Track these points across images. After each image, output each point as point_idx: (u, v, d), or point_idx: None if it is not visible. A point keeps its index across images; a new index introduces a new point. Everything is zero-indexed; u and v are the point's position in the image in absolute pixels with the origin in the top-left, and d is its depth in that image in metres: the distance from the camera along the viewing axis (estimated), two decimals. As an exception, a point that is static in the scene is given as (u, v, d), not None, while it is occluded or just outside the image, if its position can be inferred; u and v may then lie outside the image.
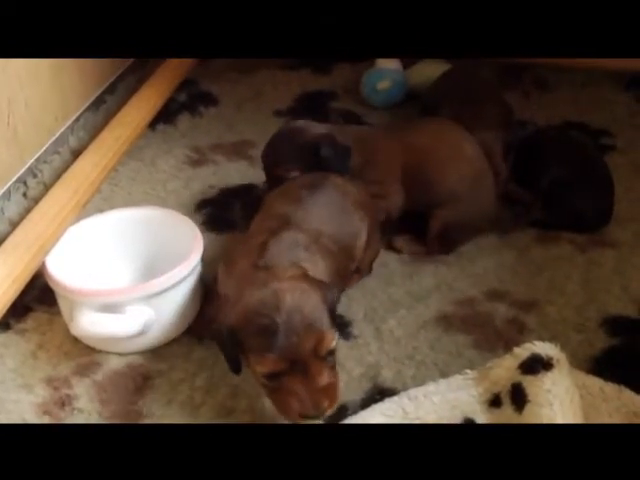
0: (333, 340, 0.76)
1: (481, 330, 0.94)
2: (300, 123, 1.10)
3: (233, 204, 1.18)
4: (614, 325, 0.96)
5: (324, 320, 0.76)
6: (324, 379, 0.75)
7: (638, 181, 1.26)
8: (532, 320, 0.96)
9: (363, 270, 1.02)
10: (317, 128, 1.07)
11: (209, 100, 1.49)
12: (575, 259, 1.09)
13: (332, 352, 0.77)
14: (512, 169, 1.21)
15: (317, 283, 0.79)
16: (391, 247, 1.09)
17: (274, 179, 1.05)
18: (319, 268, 0.84)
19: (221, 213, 1.16)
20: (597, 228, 1.14)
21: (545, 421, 0.72)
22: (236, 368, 0.79)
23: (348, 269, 0.95)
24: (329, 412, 0.76)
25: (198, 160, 1.30)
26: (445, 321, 0.96)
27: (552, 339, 0.84)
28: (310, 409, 0.74)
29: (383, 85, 1.43)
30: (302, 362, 0.74)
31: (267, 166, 1.08)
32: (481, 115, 1.20)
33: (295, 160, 1.04)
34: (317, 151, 1.02)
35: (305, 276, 0.80)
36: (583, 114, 1.42)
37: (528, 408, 0.75)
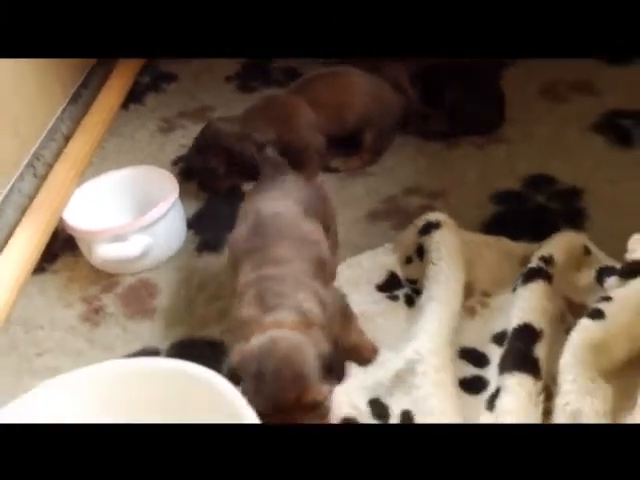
0: (319, 393, 0.76)
1: (399, 216, 1.22)
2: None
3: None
4: (501, 197, 1.25)
5: (312, 373, 0.76)
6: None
7: (530, 84, 1.54)
8: (438, 204, 1.24)
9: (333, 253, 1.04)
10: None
11: (169, 78, 1.76)
12: (475, 155, 1.37)
13: (319, 404, 0.77)
14: (421, 93, 1.49)
15: (316, 337, 0.79)
16: (329, 169, 1.37)
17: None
18: (314, 297, 0.85)
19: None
20: (492, 131, 1.42)
21: (436, 261, 1.01)
22: None
23: (328, 272, 0.96)
24: None
25: (168, 128, 1.58)
26: (373, 216, 1.25)
27: (452, 215, 1.13)
28: None
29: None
30: (286, 409, 0.75)
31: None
32: (388, 54, 1.48)
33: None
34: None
35: (306, 325, 0.80)
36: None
37: (425, 257, 1.05)
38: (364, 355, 0.94)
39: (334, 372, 0.80)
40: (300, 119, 1.35)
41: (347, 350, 0.87)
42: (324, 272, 0.93)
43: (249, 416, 0.75)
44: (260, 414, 0.75)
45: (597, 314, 0.87)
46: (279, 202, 0.97)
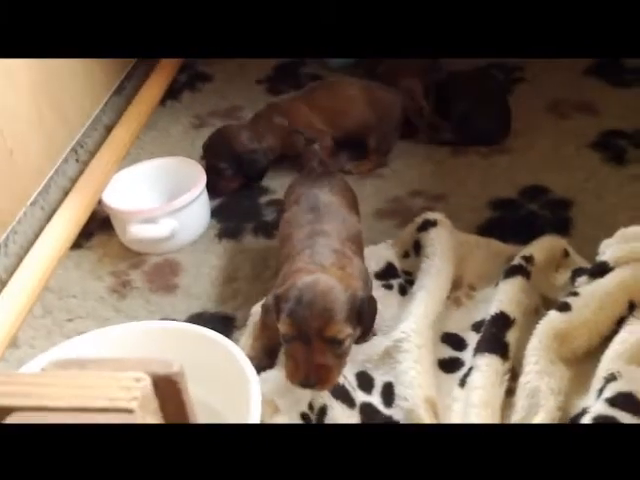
0: (341, 331, 0.87)
1: (403, 216, 1.34)
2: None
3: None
4: (497, 204, 1.36)
5: (339, 312, 0.87)
6: (322, 358, 0.87)
7: (537, 101, 1.66)
8: (439, 206, 1.35)
9: None
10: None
11: (205, 78, 1.91)
12: (478, 164, 1.49)
13: (339, 342, 0.88)
14: (433, 104, 1.61)
15: (353, 288, 0.90)
16: (342, 171, 1.49)
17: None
18: (355, 265, 0.98)
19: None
20: (496, 142, 1.54)
21: (430, 256, 1.13)
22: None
23: (362, 250, 1.10)
24: (318, 389, 0.90)
25: (200, 124, 1.72)
26: (379, 213, 1.37)
27: (451, 218, 1.24)
28: (299, 376, 0.87)
29: (338, 52, 1.83)
30: (308, 336, 0.86)
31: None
32: (405, 67, 1.61)
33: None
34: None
35: (347, 277, 0.92)
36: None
37: (421, 251, 1.16)
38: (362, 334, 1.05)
39: (363, 323, 0.92)
40: (301, 122, 1.48)
41: None
42: (362, 253, 1.07)
43: (255, 379, 0.88)
44: (285, 336, 0.89)
45: (564, 307, 0.98)
46: (330, 194, 1.13)
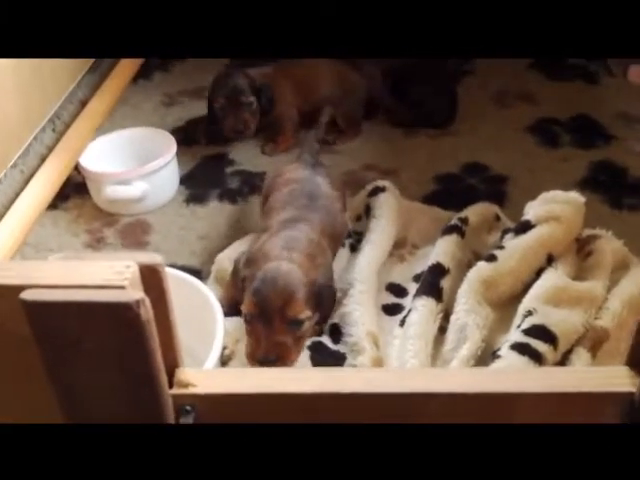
0: (301, 311, 0.93)
1: (356, 186, 1.46)
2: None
3: (195, 128, 1.71)
4: (441, 178, 1.50)
5: (299, 294, 0.93)
6: (282, 337, 0.92)
7: (482, 91, 1.81)
8: (390, 179, 1.48)
9: None
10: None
11: (175, 59, 2.01)
12: (427, 144, 1.63)
13: (299, 322, 0.93)
14: (390, 88, 1.75)
15: (313, 276, 0.97)
16: (325, 142, 1.59)
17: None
18: (326, 259, 1.06)
19: (187, 134, 1.69)
20: (444, 125, 1.68)
21: (377, 217, 1.26)
22: None
23: (338, 248, 1.20)
24: (277, 365, 0.92)
25: (170, 102, 1.83)
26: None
27: (399, 189, 1.38)
28: (259, 353, 0.92)
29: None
30: (269, 316, 0.92)
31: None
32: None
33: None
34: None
35: (309, 266, 0.98)
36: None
37: (370, 215, 1.29)
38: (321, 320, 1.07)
39: (321, 309, 1.00)
40: (274, 92, 1.62)
41: None
42: (336, 245, 1.17)
43: (220, 312, 0.98)
44: (247, 315, 0.95)
45: (491, 257, 1.12)
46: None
